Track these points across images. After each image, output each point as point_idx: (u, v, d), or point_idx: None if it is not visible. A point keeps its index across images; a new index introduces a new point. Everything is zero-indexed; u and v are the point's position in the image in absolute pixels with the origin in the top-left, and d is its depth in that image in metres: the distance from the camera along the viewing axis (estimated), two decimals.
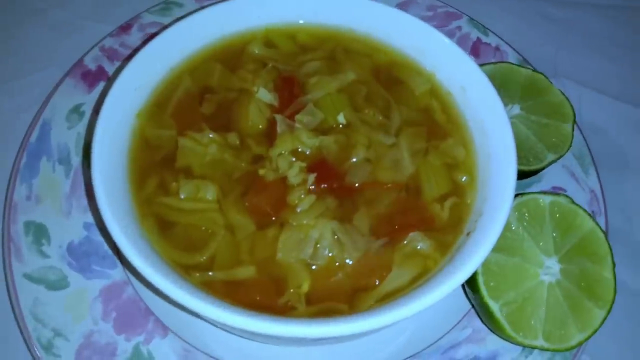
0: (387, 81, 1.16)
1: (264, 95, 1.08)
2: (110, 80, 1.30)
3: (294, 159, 1.00)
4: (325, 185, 0.99)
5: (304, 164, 1.00)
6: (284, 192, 0.97)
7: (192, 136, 1.02)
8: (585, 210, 1.06)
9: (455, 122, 1.11)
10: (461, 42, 1.44)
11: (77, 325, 1.00)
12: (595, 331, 0.99)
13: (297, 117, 1.05)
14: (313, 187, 0.98)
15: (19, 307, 1.00)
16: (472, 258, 0.86)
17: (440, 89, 1.14)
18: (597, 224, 1.05)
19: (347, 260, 0.93)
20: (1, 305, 1.07)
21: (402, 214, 0.98)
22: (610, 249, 1.03)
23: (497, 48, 1.45)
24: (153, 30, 1.39)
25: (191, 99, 1.09)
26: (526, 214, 1.06)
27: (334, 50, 1.19)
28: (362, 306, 0.89)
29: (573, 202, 1.06)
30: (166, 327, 1.03)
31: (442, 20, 1.49)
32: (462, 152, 1.06)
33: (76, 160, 1.19)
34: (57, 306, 1.01)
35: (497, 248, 0.93)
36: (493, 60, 1.41)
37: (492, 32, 1.48)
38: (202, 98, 1.09)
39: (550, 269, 1.03)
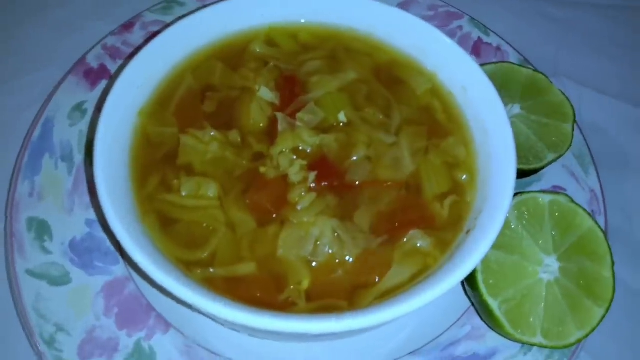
0: (387, 80, 1.16)
1: (266, 93, 1.08)
2: (113, 78, 1.30)
3: (294, 157, 1.00)
4: (326, 183, 0.99)
5: (304, 162, 1.00)
6: (284, 189, 0.98)
7: (194, 134, 1.02)
8: (584, 210, 1.06)
9: (456, 122, 1.11)
10: (462, 42, 1.44)
11: (80, 321, 1.01)
12: (594, 329, 1.00)
13: (298, 115, 1.05)
14: (314, 185, 0.98)
15: (21, 303, 1.01)
16: (471, 256, 0.86)
17: (441, 89, 1.14)
18: (597, 223, 1.05)
19: (347, 258, 0.94)
20: (4, 301, 1.07)
21: (403, 212, 0.99)
22: (610, 248, 1.04)
23: (498, 48, 1.45)
24: (155, 28, 1.40)
25: (193, 97, 1.09)
26: (526, 213, 1.06)
27: (335, 49, 1.19)
28: (362, 303, 0.89)
29: (572, 201, 1.07)
30: (168, 323, 1.03)
31: (443, 20, 1.50)
32: (463, 151, 1.06)
33: (78, 157, 1.20)
34: (60, 302, 1.02)
35: (497, 246, 0.94)
36: (494, 60, 1.41)
37: (493, 32, 1.48)
38: (203, 96, 1.09)
39: (549, 267, 1.03)
